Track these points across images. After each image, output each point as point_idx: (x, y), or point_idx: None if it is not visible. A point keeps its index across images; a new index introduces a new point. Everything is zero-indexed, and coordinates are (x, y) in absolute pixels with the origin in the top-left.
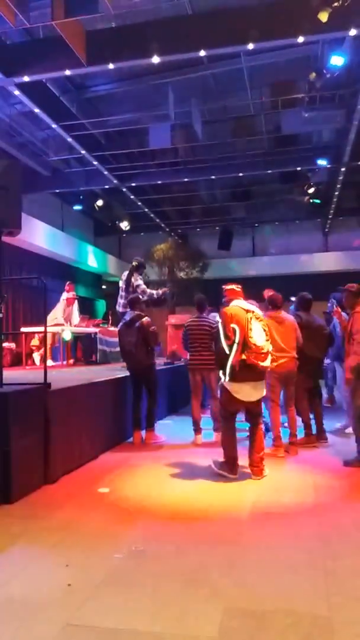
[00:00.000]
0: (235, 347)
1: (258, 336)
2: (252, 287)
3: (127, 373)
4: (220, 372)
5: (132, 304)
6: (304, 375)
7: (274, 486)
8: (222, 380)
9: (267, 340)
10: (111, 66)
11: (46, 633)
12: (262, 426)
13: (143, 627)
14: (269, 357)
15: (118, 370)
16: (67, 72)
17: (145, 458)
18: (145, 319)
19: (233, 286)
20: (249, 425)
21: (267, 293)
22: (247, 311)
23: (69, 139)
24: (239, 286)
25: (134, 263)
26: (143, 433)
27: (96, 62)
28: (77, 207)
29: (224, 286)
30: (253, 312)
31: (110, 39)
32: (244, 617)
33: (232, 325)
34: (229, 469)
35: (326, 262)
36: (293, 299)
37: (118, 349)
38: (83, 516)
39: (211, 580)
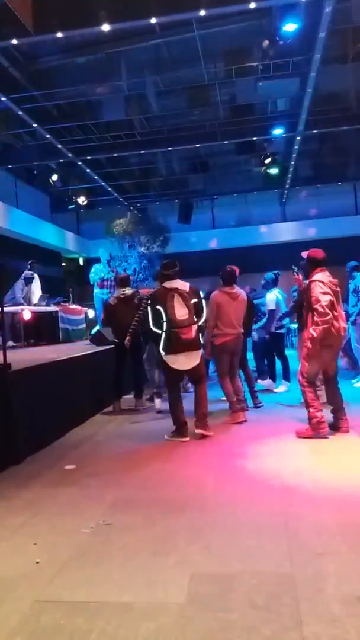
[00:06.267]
0: (164, 324)
1: (178, 311)
2: (213, 260)
3: (92, 350)
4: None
5: (127, 281)
6: None
7: (235, 451)
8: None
9: (189, 314)
10: (60, 35)
11: (15, 610)
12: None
13: (112, 598)
14: (194, 329)
15: (81, 347)
16: (14, 42)
17: (111, 433)
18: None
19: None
20: (194, 386)
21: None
22: (169, 289)
23: (20, 112)
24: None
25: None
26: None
27: (44, 30)
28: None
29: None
30: (177, 289)
31: (58, 6)
32: (211, 581)
33: (157, 307)
34: (179, 434)
35: (284, 232)
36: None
37: (81, 326)
38: (50, 494)
39: (178, 548)
